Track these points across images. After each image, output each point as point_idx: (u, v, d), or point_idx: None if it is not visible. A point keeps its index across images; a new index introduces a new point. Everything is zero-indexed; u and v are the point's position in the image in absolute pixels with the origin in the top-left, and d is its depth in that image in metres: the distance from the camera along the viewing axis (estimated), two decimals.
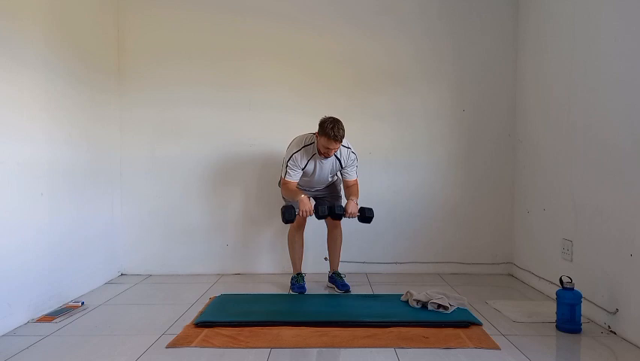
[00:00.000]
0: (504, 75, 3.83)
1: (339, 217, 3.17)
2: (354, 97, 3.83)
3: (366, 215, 3.16)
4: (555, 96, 3.18)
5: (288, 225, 3.34)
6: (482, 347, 2.30)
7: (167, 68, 3.80)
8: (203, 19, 3.80)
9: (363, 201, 3.32)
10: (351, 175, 3.23)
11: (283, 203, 3.34)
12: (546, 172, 3.30)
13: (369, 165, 3.73)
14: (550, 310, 2.74)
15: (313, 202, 3.23)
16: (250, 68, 3.81)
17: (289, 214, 3.05)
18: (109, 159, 3.67)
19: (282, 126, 3.75)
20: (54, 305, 2.90)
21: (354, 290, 3.30)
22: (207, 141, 3.83)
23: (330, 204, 3.15)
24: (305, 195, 3.11)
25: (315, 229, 3.47)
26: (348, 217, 3.14)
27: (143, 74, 3.81)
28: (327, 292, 3.34)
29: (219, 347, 2.31)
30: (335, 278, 3.37)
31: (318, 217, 3.13)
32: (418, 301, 2.87)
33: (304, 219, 3.27)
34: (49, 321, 2.68)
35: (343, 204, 3.19)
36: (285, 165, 3.14)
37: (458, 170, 3.87)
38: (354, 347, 2.31)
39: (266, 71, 3.82)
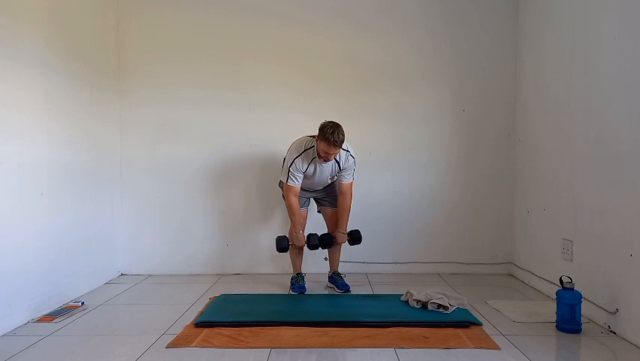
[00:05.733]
0: (504, 75, 3.83)
1: (329, 246, 3.36)
2: (354, 97, 3.83)
3: (354, 238, 3.34)
4: (555, 96, 3.18)
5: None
6: (482, 347, 2.30)
7: (167, 68, 3.80)
8: (203, 19, 3.80)
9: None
10: (347, 178, 3.24)
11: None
12: (546, 172, 3.30)
13: (369, 165, 3.73)
14: (550, 310, 2.74)
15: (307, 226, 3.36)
16: (250, 68, 3.81)
17: (282, 245, 3.26)
18: (109, 159, 3.67)
19: (282, 126, 3.75)
20: (54, 305, 2.90)
21: (354, 290, 3.30)
22: (207, 140, 3.83)
23: (320, 239, 3.29)
24: (301, 231, 3.27)
25: (315, 229, 3.46)
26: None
27: (143, 74, 3.81)
28: (327, 292, 3.34)
29: (219, 347, 2.31)
30: (335, 278, 3.37)
31: (310, 248, 3.31)
32: (418, 301, 2.87)
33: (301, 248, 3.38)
34: (49, 321, 2.68)
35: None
36: (286, 170, 3.14)
37: (458, 170, 3.87)
38: (354, 347, 2.32)
39: (266, 71, 3.82)
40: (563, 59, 3.08)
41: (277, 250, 3.28)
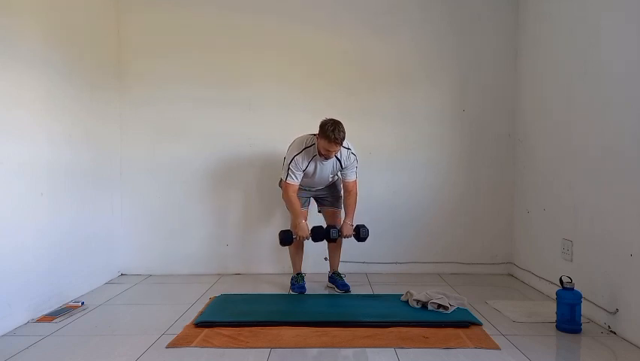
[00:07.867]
0: (504, 75, 3.83)
1: (334, 241, 3.26)
2: (355, 96, 3.83)
3: (360, 236, 3.24)
4: (555, 96, 3.18)
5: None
6: (482, 347, 2.30)
7: (168, 68, 3.80)
8: (204, 18, 3.80)
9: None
10: (351, 176, 3.23)
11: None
12: (546, 172, 3.30)
13: (369, 165, 3.72)
14: (550, 310, 2.74)
15: (310, 226, 3.25)
16: (250, 68, 3.81)
17: (287, 238, 3.17)
18: (109, 158, 3.67)
19: (282, 126, 3.75)
20: (54, 305, 2.90)
21: (354, 290, 3.30)
22: (207, 140, 3.83)
23: (326, 230, 3.21)
24: (304, 221, 3.19)
25: None
26: (344, 238, 3.26)
27: (143, 73, 3.81)
28: (327, 292, 3.34)
29: (219, 347, 2.31)
30: (335, 278, 3.37)
31: (314, 241, 3.22)
32: (418, 301, 2.87)
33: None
34: (49, 321, 2.68)
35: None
36: (286, 168, 3.14)
37: (458, 170, 3.87)
38: (354, 347, 2.32)
39: (266, 70, 3.81)
40: (563, 59, 3.08)
41: (281, 243, 3.21)
